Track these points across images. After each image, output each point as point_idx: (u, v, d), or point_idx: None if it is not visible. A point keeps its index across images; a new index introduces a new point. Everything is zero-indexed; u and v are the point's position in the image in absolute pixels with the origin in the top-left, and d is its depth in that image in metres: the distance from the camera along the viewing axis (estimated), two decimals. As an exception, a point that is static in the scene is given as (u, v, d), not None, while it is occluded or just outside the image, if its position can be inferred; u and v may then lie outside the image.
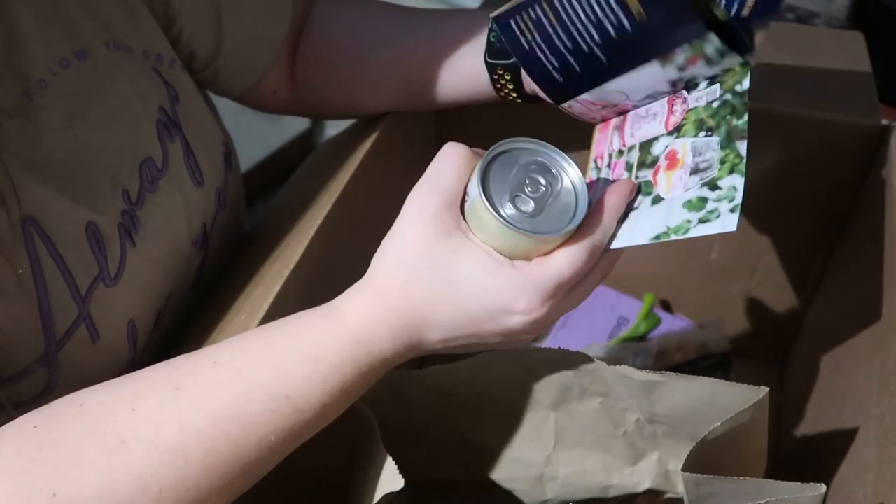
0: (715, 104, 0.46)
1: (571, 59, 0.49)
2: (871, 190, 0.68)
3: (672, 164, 0.47)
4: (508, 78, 0.58)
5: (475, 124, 0.79)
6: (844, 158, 0.71)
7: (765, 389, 0.46)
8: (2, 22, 0.48)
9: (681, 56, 0.46)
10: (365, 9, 0.68)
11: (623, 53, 0.47)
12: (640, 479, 0.57)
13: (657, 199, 0.46)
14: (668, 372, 0.49)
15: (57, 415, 0.39)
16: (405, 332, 0.43)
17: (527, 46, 0.50)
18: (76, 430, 0.38)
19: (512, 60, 0.57)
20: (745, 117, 0.44)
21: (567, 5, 0.47)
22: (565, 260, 0.43)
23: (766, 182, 0.74)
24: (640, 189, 0.47)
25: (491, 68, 0.58)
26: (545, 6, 0.47)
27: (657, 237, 0.44)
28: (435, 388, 0.54)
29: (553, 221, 0.43)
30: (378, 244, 0.52)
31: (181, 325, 0.61)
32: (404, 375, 0.53)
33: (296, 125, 2.11)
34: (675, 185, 0.45)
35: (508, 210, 0.43)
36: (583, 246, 0.43)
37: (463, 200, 0.44)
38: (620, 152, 0.51)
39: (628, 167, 0.49)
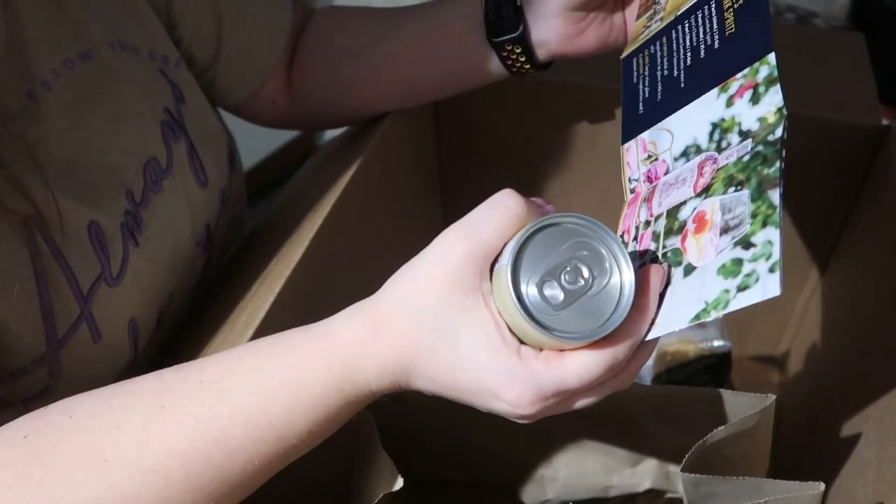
0: (745, 157, 0.42)
1: (660, 87, 0.48)
2: (871, 190, 0.68)
3: (700, 227, 0.42)
4: (519, 51, 0.57)
5: (476, 126, 0.79)
6: (844, 158, 0.71)
7: (771, 397, 0.46)
8: (7, 23, 0.48)
9: (735, 84, 0.44)
10: (357, 12, 0.68)
11: (699, 76, 0.46)
12: (641, 479, 0.57)
13: (689, 269, 0.41)
14: (671, 385, 0.48)
15: (47, 425, 0.39)
16: (393, 371, 0.41)
17: (634, 80, 0.49)
18: (63, 444, 0.38)
19: (518, 32, 0.56)
20: (777, 164, 0.40)
21: (679, 34, 0.47)
22: (576, 368, 0.38)
23: (766, 182, 0.74)
24: (669, 271, 0.42)
25: (498, 46, 0.58)
26: (663, 40, 0.47)
27: (697, 317, 0.39)
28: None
29: (578, 323, 0.38)
30: (378, 245, 0.52)
31: (183, 325, 0.61)
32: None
33: (296, 125, 2.11)
34: (705, 249, 0.41)
35: (532, 295, 0.38)
36: (602, 359, 0.38)
37: (496, 259, 0.40)
38: (647, 223, 0.47)
39: (655, 237, 0.45)
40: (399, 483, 0.43)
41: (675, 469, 0.56)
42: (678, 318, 0.40)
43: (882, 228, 0.63)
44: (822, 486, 0.44)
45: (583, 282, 0.39)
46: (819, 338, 0.74)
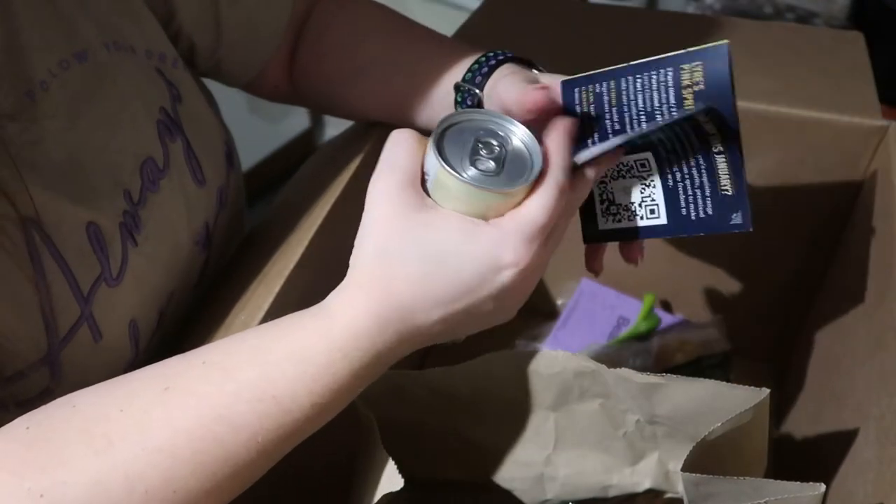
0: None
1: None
2: (871, 190, 0.68)
3: None
4: None
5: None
6: (844, 158, 0.71)
7: (765, 391, 0.46)
8: (2, 24, 0.48)
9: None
10: (362, 20, 0.68)
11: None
12: (640, 479, 0.57)
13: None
14: (668, 374, 0.49)
15: (50, 415, 0.39)
16: (396, 323, 0.42)
17: (578, 111, 0.51)
18: (66, 430, 0.38)
19: None
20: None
21: (629, 93, 0.48)
22: (536, 204, 0.43)
23: (766, 182, 0.74)
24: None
25: None
26: (611, 84, 0.49)
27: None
28: (435, 388, 0.54)
29: (515, 175, 0.44)
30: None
31: (183, 325, 0.61)
32: (404, 376, 0.53)
33: (296, 125, 2.11)
34: None
35: (471, 173, 0.44)
36: (547, 186, 0.44)
37: (423, 180, 0.45)
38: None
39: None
40: (400, 483, 0.43)
41: (674, 468, 0.56)
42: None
43: (882, 227, 0.63)
44: (823, 486, 0.44)
45: (497, 149, 0.45)
46: (819, 337, 0.74)
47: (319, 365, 0.41)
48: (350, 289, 0.43)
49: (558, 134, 0.46)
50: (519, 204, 0.44)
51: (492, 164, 0.45)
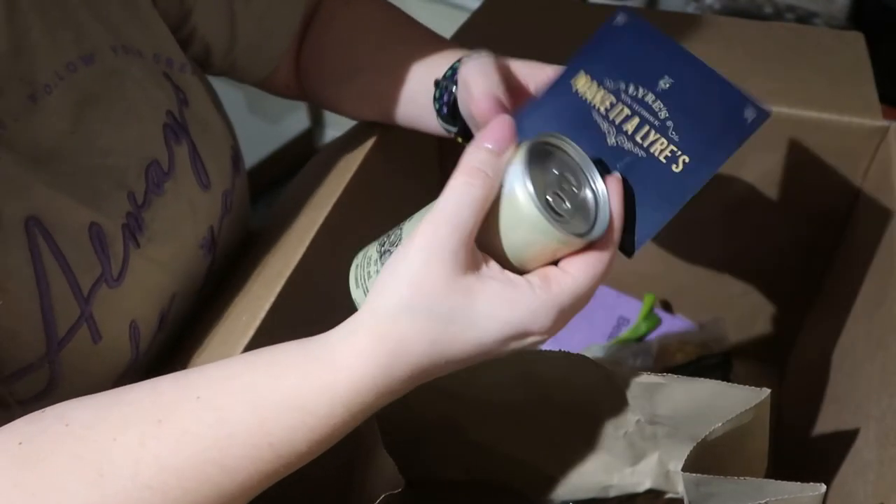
0: None
1: None
2: (871, 190, 0.68)
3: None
4: (461, 140, 0.59)
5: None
6: (844, 158, 0.71)
7: (766, 391, 0.46)
8: (11, 26, 0.48)
9: None
10: (361, 20, 0.68)
11: None
12: (641, 479, 0.57)
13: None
14: (668, 374, 0.49)
15: (43, 432, 0.39)
16: (404, 374, 0.40)
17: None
18: (58, 453, 0.38)
19: (455, 128, 0.59)
20: None
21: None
22: (589, 273, 0.41)
23: (766, 182, 0.75)
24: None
25: (444, 128, 0.60)
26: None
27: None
28: (436, 388, 0.54)
29: (582, 224, 0.42)
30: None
31: (185, 326, 0.61)
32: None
33: (296, 125, 2.11)
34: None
35: (549, 207, 0.41)
36: (603, 255, 0.42)
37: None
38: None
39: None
40: (399, 483, 0.43)
41: (675, 468, 0.56)
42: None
43: (882, 227, 0.63)
44: (823, 487, 0.44)
45: (574, 190, 0.42)
46: (819, 337, 0.74)
47: (319, 416, 0.39)
48: (362, 336, 0.40)
49: (620, 199, 0.44)
50: (566, 256, 0.42)
51: (567, 204, 0.41)
